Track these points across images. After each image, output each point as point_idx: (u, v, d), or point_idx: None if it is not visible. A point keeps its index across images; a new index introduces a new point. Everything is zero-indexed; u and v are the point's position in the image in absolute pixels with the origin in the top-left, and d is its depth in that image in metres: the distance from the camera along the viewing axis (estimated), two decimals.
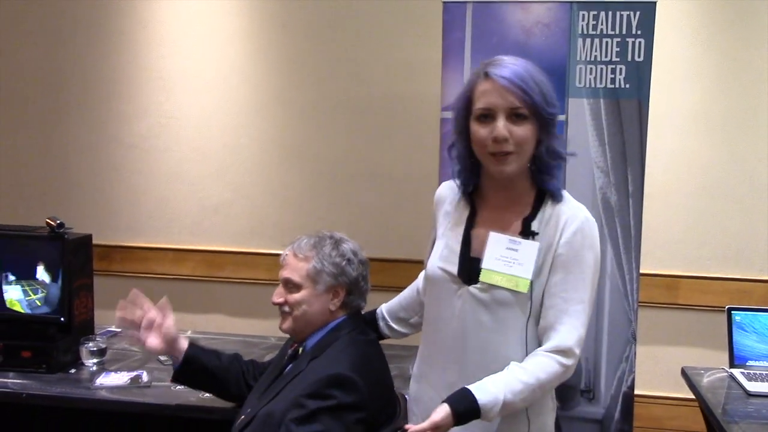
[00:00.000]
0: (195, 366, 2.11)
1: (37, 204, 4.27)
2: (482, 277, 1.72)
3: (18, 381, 2.44)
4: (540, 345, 1.71)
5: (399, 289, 3.91)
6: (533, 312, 1.70)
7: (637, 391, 3.35)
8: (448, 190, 1.91)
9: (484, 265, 1.72)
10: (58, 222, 2.57)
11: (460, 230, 1.80)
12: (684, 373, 2.82)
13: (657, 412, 3.89)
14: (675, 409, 3.85)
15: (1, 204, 4.37)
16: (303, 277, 2.00)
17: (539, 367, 1.66)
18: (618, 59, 2.96)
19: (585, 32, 2.95)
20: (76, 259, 2.60)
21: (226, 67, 4.14)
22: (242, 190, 4.21)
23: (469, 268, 1.75)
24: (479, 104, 1.69)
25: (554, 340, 1.67)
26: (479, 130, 1.69)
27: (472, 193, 1.83)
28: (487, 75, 1.69)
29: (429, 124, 3.65)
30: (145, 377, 2.49)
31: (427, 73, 3.79)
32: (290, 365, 2.05)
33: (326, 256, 2.01)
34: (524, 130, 1.67)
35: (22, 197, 4.34)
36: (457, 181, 1.84)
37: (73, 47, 4.25)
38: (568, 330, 1.67)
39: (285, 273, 2.03)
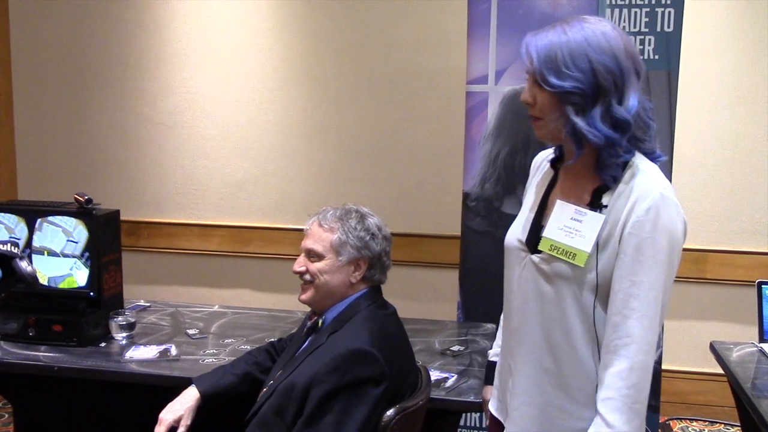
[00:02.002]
0: (216, 398, 2.12)
1: (65, 181, 4.31)
2: (541, 246, 1.65)
3: (49, 354, 2.48)
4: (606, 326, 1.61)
5: (424, 264, 3.93)
6: (600, 289, 1.59)
7: (664, 366, 3.33)
8: (540, 157, 1.85)
9: (546, 233, 1.65)
10: (86, 198, 2.59)
11: (539, 198, 1.75)
12: (712, 347, 2.79)
13: (684, 387, 3.87)
14: (702, 384, 3.83)
15: (29, 181, 4.43)
16: (326, 248, 2.00)
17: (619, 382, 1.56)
18: (647, 30, 2.91)
19: (613, 2, 2.90)
20: (104, 234, 2.62)
21: (250, 43, 4.13)
22: (267, 165, 4.22)
23: (536, 237, 1.69)
24: None
25: (621, 330, 1.56)
26: None
27: (557, 162, 1.76)
28: None
29: (455, 97, 3.62)
30: (173, 351, 2.52)
31: (453, 45, 3.76)
32: (310, 338, 2.06)
33: (351, 228, 2.01)
34: (543, 98, 1.60)
35: (49, 174, 4.39)
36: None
37: (97, 24, 4.26)
38: (638, 324, 1.55)
39: (308, 242, 2.03)
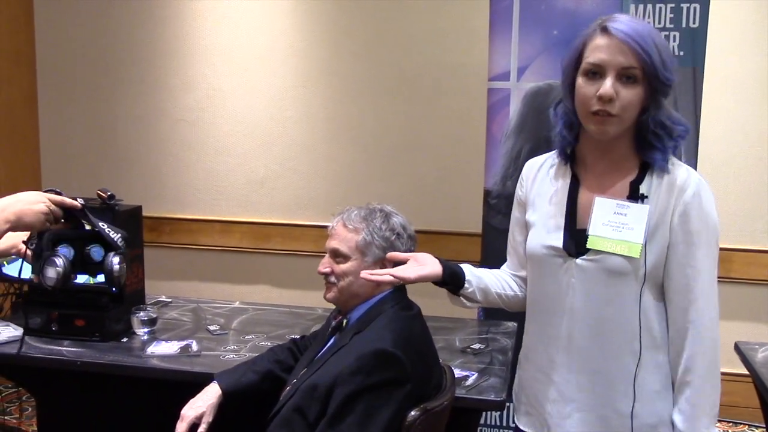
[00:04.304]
0: (237, 396, 2.13)
1: (88, 177, 4.35)
2: (590, 244, 1.64)
3: (72, 349, 2.50)
4: (660, 315, 1.66)
5: None
6: (648, 278, 1.62)
7: None
8: (535, 166, 1.82)
9: (591, 231, 1.64)
10: (109, 194, 2.60)
11: (562, 201, 1.72)
12: (737, 348, 2.75)
13: None
14: (727, 385, 3.73)
15: (52, 177, 4.46)
16: (352, 249, 1.99)
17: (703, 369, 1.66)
18: (672, 25, 2.87)
19: None
20: (126, 230, 2.63)
21: (272, 40, 4.14)
22: (289, 162, 4.22)
23: (576, 241, 1.67)
24: (590, 59, 1.59)
25: (691, 314, 1.63)
26: (585, 87, 1.60)
27: (571, 163, 1.74)
28: (605, 29, 1.59)
29: (476, 94, 3.60)
30: (194, 346, 2.53)
31: (475, 42, 3.74)
32: (334, 337, 2.06)
33: (376, 229, 1.99)
34: (632, 94, 1.57)
35: (73, 170, 4.43)
36: (558, 142, 1.75)
37: (120, 21, 4.29)
38: (705, 305, 1.63)
39: (333, 243, 2.02)
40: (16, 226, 1.74)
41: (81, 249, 2.07)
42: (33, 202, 1.79)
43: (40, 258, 1.94)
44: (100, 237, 1.94)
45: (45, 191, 1.91)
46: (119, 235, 1.95)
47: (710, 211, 1.63)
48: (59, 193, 1.92)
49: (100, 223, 1.94)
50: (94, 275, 2.38)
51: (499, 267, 1.96)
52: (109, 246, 1.95)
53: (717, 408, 1.67)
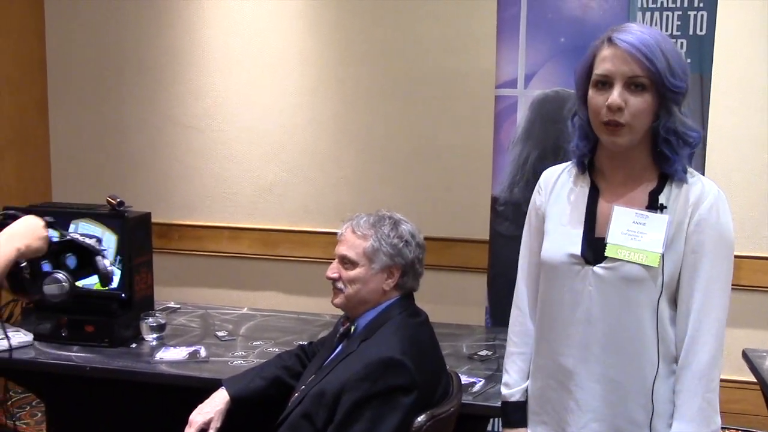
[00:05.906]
0: (245, 401, 2.13)
1: (98, 183, 4.37)
2: (608, 252, 1.64)
3: (81, 354, 2.51)
4: (672, 324, 1.65)
5: (452, 268, 3.92)
6: (666, 288, 1.63)
7: None
8: (554, 175, 1.81)
9: (610, 240, 1.65)
10: (119, 200, 2.62)
11: (581, 210, 1.72)
12: (745, 355, 2.75)
13: None
14: (735, 392, 3.76)
15: (61, 183, 4.49)
16: (359, 255, 2.00)
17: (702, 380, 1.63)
18: (679, 33, 2.88)
19: (645, 6, 2.88)
20: (136, 236, 2.65)
21: (280, 48, 4.16)
22: (297, 169, 4.23)
23: (595, 249, 1.67)
24: (598, 70, 1.62)
25: (691, 324, 1.62)
26: (595, 98, 1.62)
27: (590, 172, 1.74)
28: (610, 40, 1.61)
29: (484, 101, 3.61)
30: (203, 352, 2.54)
31: (482, 49, 3.75)
32: (342, 344, 2.07)
33: (384, 236, 2.00)
34: (641, 102, 1.59)
35: (83, 176, 4.45)
36: (575, 152, 1.75)
37: (130, 28, 4.32)
38: (705, 317, 1.62)
39: (342, 249, 2.03)
40: (24, 254, 1.75)
41: (57, 260, 2.07)
42: (35, 227, 1.78)
43: (37, 278, 1.94)
44: (75, 245, 1.94)
45: (2, 211, 1.90)
46: (93, 239, 1.95)
47: (725, 225, 1.63)
48: (22, 211, 1.91)
49: (70, 234, 1.94)
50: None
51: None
52: (87, 252, 1.94)
53: (715, 425, 1.63)
